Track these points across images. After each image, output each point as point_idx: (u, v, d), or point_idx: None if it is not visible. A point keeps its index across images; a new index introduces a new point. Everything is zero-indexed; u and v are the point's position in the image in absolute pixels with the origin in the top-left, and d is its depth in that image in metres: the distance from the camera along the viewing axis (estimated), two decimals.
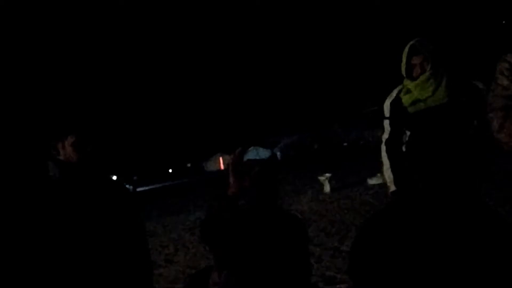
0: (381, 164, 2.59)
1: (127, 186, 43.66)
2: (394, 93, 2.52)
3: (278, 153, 40.77)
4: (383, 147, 2.56)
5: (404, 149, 2.41)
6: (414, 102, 2.34)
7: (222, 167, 41.97)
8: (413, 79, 2.37)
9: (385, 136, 2.55)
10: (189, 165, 57.91)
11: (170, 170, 57.71)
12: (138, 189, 39.52)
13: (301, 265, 1.96)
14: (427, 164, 2.27)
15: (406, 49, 2.38)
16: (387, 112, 2.54)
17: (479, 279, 0.72)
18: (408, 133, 2.39)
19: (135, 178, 51.52)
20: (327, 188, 9.50)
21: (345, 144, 30.11)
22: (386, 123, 2.54)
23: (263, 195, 1.93)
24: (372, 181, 9.22)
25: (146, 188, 39.17)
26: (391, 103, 2.50)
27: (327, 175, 9.59)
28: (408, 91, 2.39)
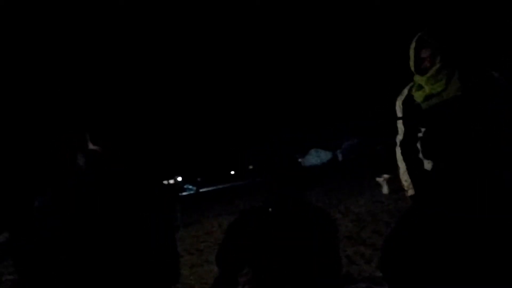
0: (397, 168, 2.43)
1: (190, 186, 45.04)
2: (405, 91, 2.33)
3: (340, 155, 40.10)
4: (398, 150, 2.40)
5: (419, 146, 2.23)
6: (427, 98, 2.14)
7: None
8: (423, 74, 2.19)
9: (399, 137, 2.37)
10: (251, 167, 58.70)
11: (233, 172, 58.73)
12: (201, 190, 40.71)
13: (329, 262, 1.91)
14: (444, 160, 2.10)
15: (413, 42, 2.21)
16: (399, 112, 2.35)
17: None
18: (423, 130, 2.20)
19: (199, 179, 53.20)
20: (385, 189, 9.18)
21: None
22: (400, 123, 2.37)
23: (287, 199, 1.90)
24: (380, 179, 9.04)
25: (209, 189, 40.21)
26: (403, 102, 2.31)
27: (386, 176, 9.25)
28: (420, 87, 2.19)
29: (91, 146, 1.61)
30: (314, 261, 1.84)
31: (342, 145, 38.84)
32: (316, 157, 39.17)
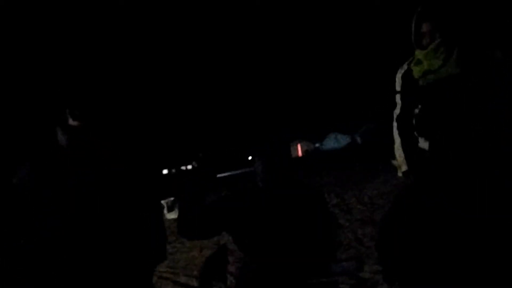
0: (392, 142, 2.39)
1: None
2: (405, 65, 2.27)
3: (358, 138, 39.69)
4: (394, 124, 2.34)
5: (414, 123, 2.17)
6: (425, 73, 2.08)
7: (300, 154, 41.87)
8: (423, 48, 2.12)
9: (397, 111, 2.32)
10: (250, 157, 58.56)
11: (250, 158, 58.79)
12: (218, 175, 40.96)
13: (319, 239, 1.89)
14: (439, 141, 2.03)
15: (415, 16, 2.13)
16: (398, 86, 2.30)
17: None
18: (419, 106, 2.14)
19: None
20: (400, 172, 9.04)
21: None
22: (398, 97, 2.31)
23: (274, 176, 1.87)
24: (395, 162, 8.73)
25: (227, 174, 40.44)
26: (402, 76, 2.25)
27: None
28: (419, 62, 2.13)
29: (71, 122, 1.58)
30: (303, 241, 1.82)
31: (361, 128, 38.41)
32: (334, 141, 38.87)
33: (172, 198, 9.30)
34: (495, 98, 1.99)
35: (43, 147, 1.58)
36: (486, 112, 1.96)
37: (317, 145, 44.55)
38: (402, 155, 2.29)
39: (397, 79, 2.32)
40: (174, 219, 8.72)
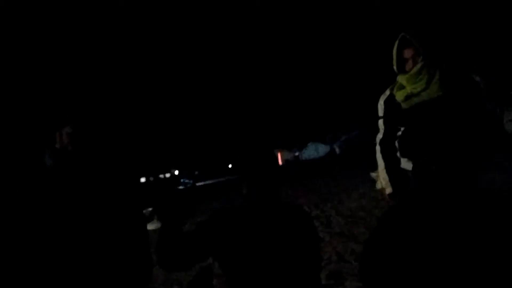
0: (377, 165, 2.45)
1: (187, 180, 44.96)
2: (387, 91, 2.35)
3: (337, 149, 40.07)
4: (378, 148, 2.41)
5: (397, 145, 2.25)
6: (407, 97, 2.16)
7: (280, 162, 41.97)
8: (405, 73, 2.19)
9: (379, 136, 2.40)
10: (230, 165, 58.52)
11: (230, 166, 58.72)
12: (198, 184, 40.69)
13: (304, 259, 1.87)
14: (420, 159, 2.10)
15: (396, 42, 2.20)
16: (380, 111, 2.38)
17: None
18: (402, 129, 2.22)
19: (196, 173, 53.14)
20: (378, 184, 9.15)
21: None
22: (380, 122, 2.39)
23: (261, 193, 1.85)
24: (374, 174, 8.93)
25: (206, 182, 40.22)
26: (384, 101, 2.34)
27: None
28: (401, 87, 2.21)
29: (58, 145, 1.61)
30: (291, 262, 1.80)
31: (340, 139, 38.84)
32: (314, 151, 39.20)
33: (150, 209, 9.17)
34: (476, 120, 2.04)
35: (31, 167, 1.59)
36: (467, 133, 2.01)
37: (296, 154, 44.81)
38: (387, 177, 2.33)
39: (379, 105, 2.38)
40: (153, 230, 8.59)
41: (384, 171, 2.35)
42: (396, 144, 2.25)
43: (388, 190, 2.35)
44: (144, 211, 8.49)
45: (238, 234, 1.81)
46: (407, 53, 2.16)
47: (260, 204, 1.86)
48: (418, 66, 2.10)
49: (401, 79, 2.20)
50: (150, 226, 8.54)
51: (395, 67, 2.23)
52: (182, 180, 45.29)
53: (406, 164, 2.20)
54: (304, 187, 13.26)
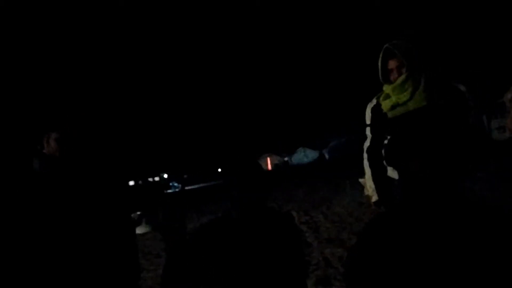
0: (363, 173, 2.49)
1: (176, 184, 44.75)
2: (374, 100, 2.39)
3: (326, 154, 40.29)
4: (365, 155, 2.44)
5: (383, 153, 2.28)
6: (393, 107, 2.20)
7: (269, 167, 42.00)
8: (390, 83, 2.23)
9: (367, 144, 2.43)
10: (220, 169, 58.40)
11: (219, 170, 58.58)
12: (187, 188, 40.50)
13: (291, 265, 1.89)
14: (406, 167, 2.13)
15: (381, 53, 2.25)
16: (368, 119, 2.42)
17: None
18: (388, 138, 2.26)
19: (185, 176, 52.90)
20: (367, 191, 9.22)
21: None
22: (368, 130, 2.43)
23: (249, 198, 1.87)
24: (363, 180, 9.03)
25: (195, 186, 40.08)
26: (371, 110, 2.38)
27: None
28: (387, 96, 2.25)
29: (46, 151, 1.62)
30: (278, 268, 1.82)
31: (329, 144, 39.05)
32: (303, 156, 39.36)
33: (138, 213, 9.12)
34: (460, 129, 2.08)
35: (19, 172, 1.60)
36: (451, 143, 2.05)
37: (286, 159, 44.92)
38: (373, 185, 2.36)
39: (366, 113, 2.41)
40: (140, 234, 8.53)
41: (371, 179, 2.38)
42: (383, 152, 2.27)
43: (374, 198, 2.38)
44: (132, 215, 8.48)
45: (224, 241, 1.82)
46: (392, 64, 2.21)
47: (248, 210, 1.87)
48: (403, 77, 2.15)
49: (386, 89, 2.24)
50: (139, 230, 8.48)
51: (380, 78, 2.28)
52: (171, 184, 45.12)
53: (392, 173, 2.23)
54: (293, 192, 13.29)
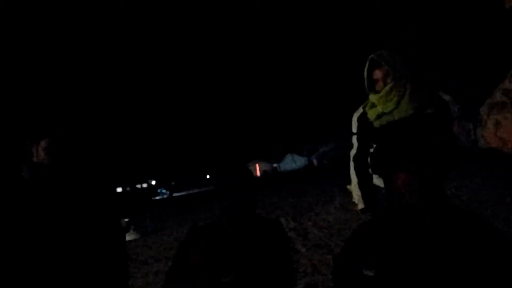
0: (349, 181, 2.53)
1: (164, 191, 44.49)
2: (360, 108, 2.44)
3: (315, 161, 40.48)
4: (351, 164, 2.48)
5: (369, 161, 2.32)
6: (379, 116, 2.25)
7: (258, 174, 42.03)
8: (376, 93, 2.28)
9: (353, 152, 2.47)
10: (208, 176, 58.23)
11: (208, 176, 58.39)
12: (175, 194, 40.28)
13: (279, 271, 1.91)
14: (391, 175, 2.18)
15: (367, 63, 2.29)
16: (354, 128, 2.46)
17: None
18: (374, 146, 2.30)
19: (173, 183, 52.60)
20: (355, 200, 9.27)
21: None
22: (354, 138, 2.47)
23: (238, 205, 1.89)
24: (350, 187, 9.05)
25: (183, 193, 39.87)
26: (358, 118, 2.42)
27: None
28: (373, 105, 2.30)
29: (35, 159, 1.63)
30: (266, 275, 1.83)
31: (318, 150, 39.24)
32: (291, 162, 39.49)
33: (126, 219, 9.05)
34: (444, 138, 2.13)
35: (8, 180, 1.60)
36: (435, 151, 2.09)
37: (274, 165, 44.99)
38: (359, 193, 2.39)
39: (353, 122, 2.45)
40: (128, 241, 8.46)
41: (357, 186, 2.41)
42: (369, 160, 2.31)
43: (360, 205, 2.41)
44: (120, 222, 8.42)
45: (214, 248, 1.84)
46: (377, 74, 2.25)
47: (236, 216, 1.89)
48: (388, 87, 2.19)
49: (372, 98, 2.28)
50: (127, 237, 8.42)
51: (366, 87, 2.32)
52: (159, 191, 44.81)
53: (377, 181, 2.27)
54: (282, 198, 13.32)
